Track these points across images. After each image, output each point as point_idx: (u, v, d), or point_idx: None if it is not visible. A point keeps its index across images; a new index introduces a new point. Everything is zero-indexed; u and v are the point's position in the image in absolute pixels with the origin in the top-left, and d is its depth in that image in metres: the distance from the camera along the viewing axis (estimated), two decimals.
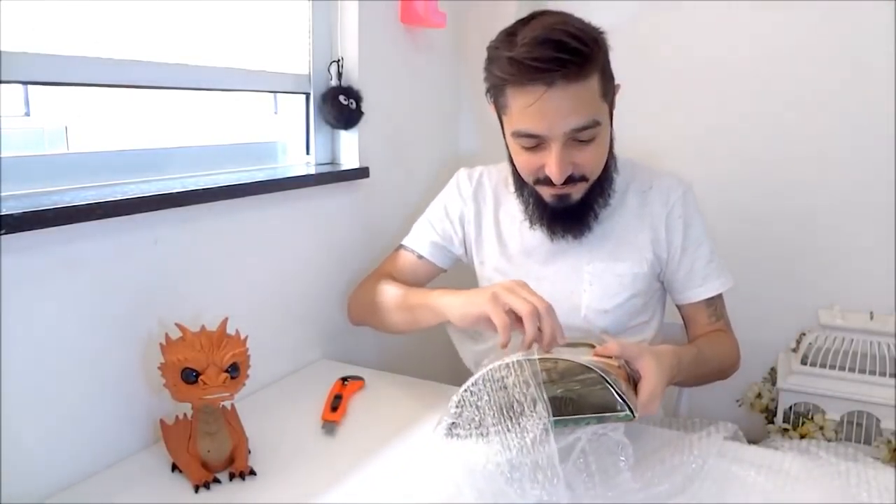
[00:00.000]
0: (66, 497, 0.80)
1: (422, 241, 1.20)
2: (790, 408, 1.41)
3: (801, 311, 1.53)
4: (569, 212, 1.04)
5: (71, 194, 0.83)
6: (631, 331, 1.11)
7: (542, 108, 0.92)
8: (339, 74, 1.27)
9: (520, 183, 1.07)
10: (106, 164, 0.93)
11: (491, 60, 0.97)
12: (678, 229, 1.08)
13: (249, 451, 0.87)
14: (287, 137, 1.27)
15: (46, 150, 0.93)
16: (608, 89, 0.98)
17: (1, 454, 0.75)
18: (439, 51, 1.58)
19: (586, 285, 1.08)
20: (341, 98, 1.23)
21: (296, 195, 1.15)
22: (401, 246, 1.22)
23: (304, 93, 1.26)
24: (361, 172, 1.30)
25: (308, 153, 1.29)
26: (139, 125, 1.04)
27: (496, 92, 0.98)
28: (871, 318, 1.42)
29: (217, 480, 0.82)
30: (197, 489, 0.80)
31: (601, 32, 0.97)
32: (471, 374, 0.84)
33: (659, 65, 1.58)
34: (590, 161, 0.98)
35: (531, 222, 1.09)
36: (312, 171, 1.24)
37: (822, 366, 1.38)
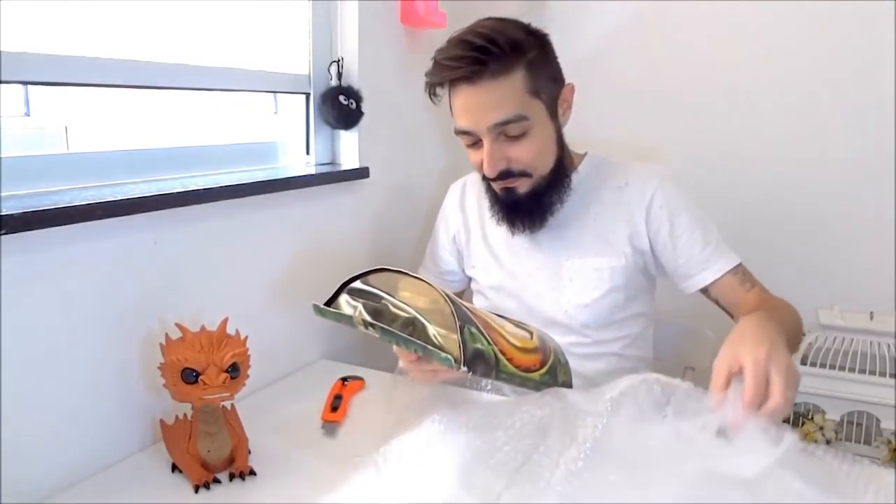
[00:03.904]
0: (66, 497, 0.80)
1: (428, 273, 1.25)
2: None
3: (801, 311, 1.52)
4: (519, 206, 1.07)
5: (71, 194, 0.83)
6: (615, 325, 1.12)
7: (467, 104, 1.00)
8: (339, 74, 1.27)
9: (484, 181, 1.12)
10: (106, 164, 0.93)
11: (430, 67, 1.04)
12: (662, 220, 1.08)
13: (249, 451, 0.87)
14: (287, 137, 1.27)
15: (46, 150, 0.93)
16: (541, 87, 1.01)
17: (1, 454, 0.75)
18: None
19: (566, 281, 1.10)
20: (341, 98, 1.23)
21: (296, 195, 1.15)
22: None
23: (304, 93, 1.26)
24: (361, 172, 1.30)
25: (308, 153, 1.29)
26: (139, 125, 1.04)
27: (449, 95, 1.05)
28: (871, 318, 1.41)
29: (217, 480, 0.82)
30: (197, 489, 0.80)
31: (536, 34, 1.02)
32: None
33: (659, 64, 1.58)
34: (524, 156, 1.02)
35: (497, 219, 1.12)
36: (312, 171, 1.24)
37: (822, 366, 1.38)
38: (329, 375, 1.12)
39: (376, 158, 1.35)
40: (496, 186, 1.07)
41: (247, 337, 0.84)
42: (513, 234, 1.11)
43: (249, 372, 0.84)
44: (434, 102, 1.07)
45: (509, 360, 0.82)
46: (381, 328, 0.79)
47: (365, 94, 1.27)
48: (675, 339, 1.30)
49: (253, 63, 1.15)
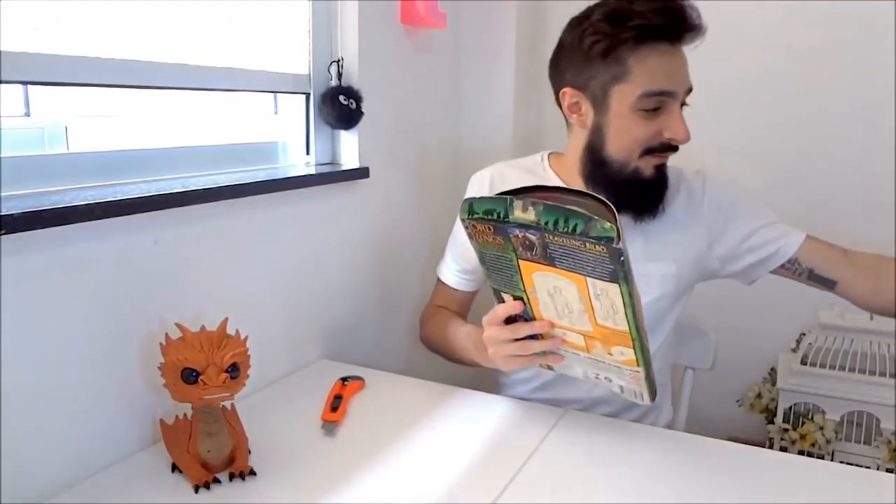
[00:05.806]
0: (66, 497, 0.80)
1: (449, 272, 1.20)
2: (790, 408, 1.41)
3: (801, 311, 1.53)
4: (661, 185, 1.04)
5: (71, 194, 0.83)
6: (657, 332, 1.09)
7: (671, 65, 0.97)
8: (339, 74, 1.27)
9: (595, 172, 1.03)
10: (106, 164, 0.93)
11: (614, 22, 0.95)
12: (720, 220, 1.08)
13: (249, 451, 0.87)
14: (287, 137, 1.27)
15: (46, 150, 0.93)
16: None
17: (1, 454, 0.75)
18: (439, 51, 1.58)
19: None
20: (341, 98, 1.23)
21: (296, 195, 1.15)
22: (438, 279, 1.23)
23: (304, 93, 1.26)
24: (361, 172, 1.30)
25: (308, 153, 1.29)
26: (139, 125, 1.04)
27: (615, 62, 0.96)
28: (871, 318, 1.42)
29: (217, 480, 0.82)
30: (197, 489, 0.80)
31: None
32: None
33: None
34: (686, 130, 1.01)
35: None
36: (312, 171, 1.24)
37: (822, 366, 1.38)
38: (329, 375, 1.12)
39: (376, 158, 1.35)
40: (655, 162, 1.01)
41: (247, 337, 0.84)
42: (636, 221, 1.05)
43: (249, 372, 0.84)
44: (610, 79, 0.98)
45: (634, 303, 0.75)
46: (544, 204, 0.70)
47: (365, 94, 1.27)
48: (675, 340, 1.30)
49: (253, 63, 1.15)
